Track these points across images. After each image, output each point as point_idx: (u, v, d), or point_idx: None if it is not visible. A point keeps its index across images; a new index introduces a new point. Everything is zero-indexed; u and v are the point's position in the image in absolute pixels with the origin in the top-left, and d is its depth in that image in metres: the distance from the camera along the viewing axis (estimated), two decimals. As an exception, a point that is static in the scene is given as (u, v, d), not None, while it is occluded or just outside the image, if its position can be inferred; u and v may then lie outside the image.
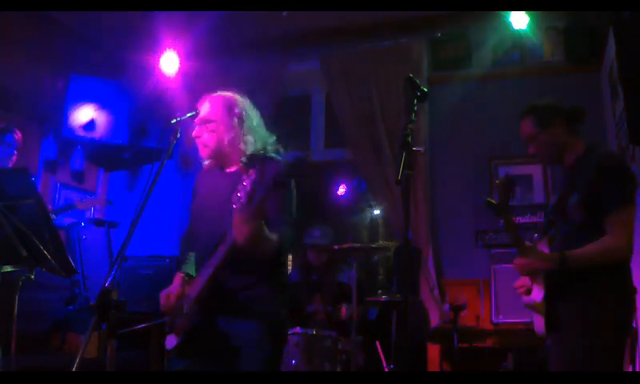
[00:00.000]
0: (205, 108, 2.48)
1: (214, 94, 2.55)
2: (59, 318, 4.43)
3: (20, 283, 3.00)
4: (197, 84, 5.09)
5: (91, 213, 5.37)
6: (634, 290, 2.32)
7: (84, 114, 4.92)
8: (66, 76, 4.99)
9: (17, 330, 3.04)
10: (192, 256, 2.55)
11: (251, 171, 2.29)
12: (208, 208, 2.44)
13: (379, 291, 4.12)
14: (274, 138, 2.58)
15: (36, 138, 4.90)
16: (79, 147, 5.08)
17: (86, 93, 4.96)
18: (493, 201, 2.48)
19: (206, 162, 2.51)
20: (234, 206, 2.23)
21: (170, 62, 4.92)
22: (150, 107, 4.99)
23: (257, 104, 2.70)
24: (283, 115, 5.41)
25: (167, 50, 4.90)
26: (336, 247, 3.82)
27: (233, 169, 2.48)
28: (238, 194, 2.23)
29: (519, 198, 4.49)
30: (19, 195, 2.69)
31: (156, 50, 4.91)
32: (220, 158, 2.47)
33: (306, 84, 5.53)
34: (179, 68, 4.96)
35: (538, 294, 2.45)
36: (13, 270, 2.90)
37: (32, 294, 4.08)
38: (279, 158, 2.49)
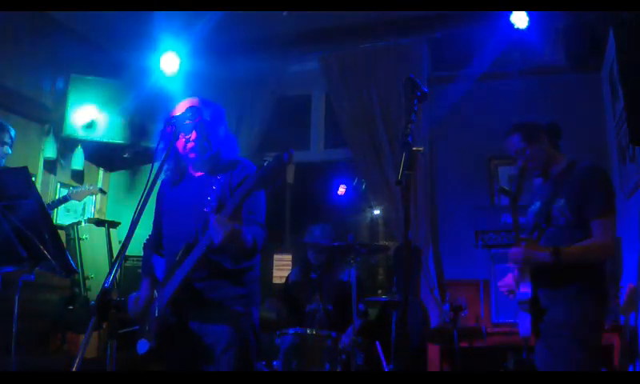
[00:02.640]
0: (199, 111, 2.44)
1: (197, 99, 2.52)
2: (59, 318, 4.43)
3: (20, 283, 3.00)
4: (197, 84, 5.10)
5: (92, 211, 5.38)
6: (608, 292, 2.57)
7: (84, 113, 4.93)
8: (66, 76, 5.00)
9: (17, 330, 3.04)
10: (158, 261, 2.57)
11: (219, 175, 2.35)
12: (177, 212, 2.46)
13: (379, 291, 4.12)
14: (235, 141, 2.59)
15: (36, 137, 4.90)
16: (79, 147, 5.08)
17: (86, 93, 4.97)
18: (507, 188, 2.66)
19: (197, 167, 2.50)
20: (205, 209, 2.24)
21: (170, 62, 4.92)
22: (149, 107, 4.99)
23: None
24: (283, 115, 5.42)
25: (167, 50, 4.90)
26: (335, 244, 3.81)
27: (200, 173, 2.51)
28: (208, 198, 2.25)
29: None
30: (19, 195, 2.69)
31: (156, 50, 4.91)
32: (208, 161, 2.47)
33: (306, 84, 5.54)
34: (179, 68, 4.96)
35: (528, 291, 2.55)
36: (13, 270, 2.90)
37: (32, 294, 4.08)
38: (248, 161, 2.52)
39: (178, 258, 2.30)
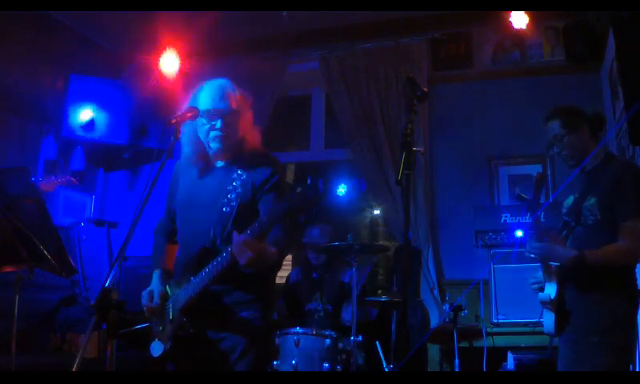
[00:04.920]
0: (227, 96, 2.32)
1: (225, 82, 2.39)
2: (59, 318, 4.43)
3: (20, 283, 3.00)
4: (197, 84, 5.10)
5: (91, 211, 5.38)
6: (638, 293, 2.41)
7: (84, 114, 4.92)
8: (65, 76, 5.00)
9: (17, 330, 3.04)
10: (169, 249, 2.47)
11: (241, 170, 2.24)
12: (194, 207, 2.32)
13: (379, 291, 4.11)
14: (259, 130, 2.44)
15: (36, 137, 4.90)
16: (79, 147, 5.09)
17: (86, 93, 4.97)
18: (524, 196, 2.60)
19: (218, 157, 2.35)
20: (224, 209, 2.18)
21: (169, 62, 4.92)
22: (149, 107, 4.99)
23: (257, 104, 2.62)
24: (283, 115, 5.42)
25: (167, 49, 4.90)
26: (335, 244, 3.80)
27: (220, 162, 2.37)
28: (228, 196, 2.17)
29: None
30: (19, 195, 2.69)
31: (156, 50, 4.91)
32: (231, 149, 2.32)
33: (305, 84, 5.54)
34: (179, 68, 4.96)
35: (552, 291, 2.47)
36: (13, 270, 2.89)
37: (32, 294, 4.08)
38: (272, 155, 2.37)
39: (194, 262, 2.21)
